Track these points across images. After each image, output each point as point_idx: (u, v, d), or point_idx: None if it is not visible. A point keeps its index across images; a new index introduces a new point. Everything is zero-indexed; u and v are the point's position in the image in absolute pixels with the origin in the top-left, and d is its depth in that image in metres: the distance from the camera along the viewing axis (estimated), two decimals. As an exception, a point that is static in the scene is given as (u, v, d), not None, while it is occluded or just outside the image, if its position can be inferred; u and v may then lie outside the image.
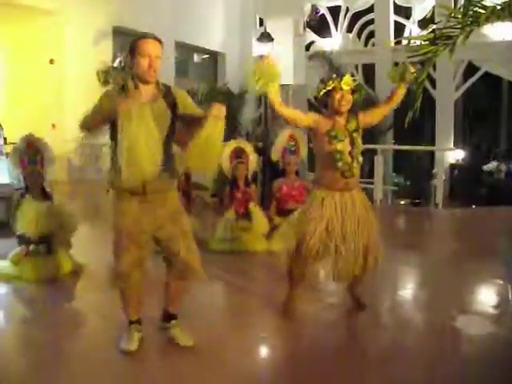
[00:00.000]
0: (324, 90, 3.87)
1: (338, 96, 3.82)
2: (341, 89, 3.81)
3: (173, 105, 3.37)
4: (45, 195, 5.31)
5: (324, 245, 3.88)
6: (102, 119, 3.30)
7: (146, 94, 3.29)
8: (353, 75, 4.03)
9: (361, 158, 3.94)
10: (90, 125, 3.36)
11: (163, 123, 3.32)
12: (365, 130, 4.06)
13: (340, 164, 3.82)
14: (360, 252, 3.93)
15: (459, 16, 4.05)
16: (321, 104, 4.00)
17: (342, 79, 3.81)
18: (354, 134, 3.91)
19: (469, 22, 3.95)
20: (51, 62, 11.84)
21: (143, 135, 3.11)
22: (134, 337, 3.56)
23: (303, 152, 6.99)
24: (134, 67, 3.31)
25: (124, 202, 3.37)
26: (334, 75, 3.85)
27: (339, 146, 3.83)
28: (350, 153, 3.87)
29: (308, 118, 3.94)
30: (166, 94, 3.37)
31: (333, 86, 3.81)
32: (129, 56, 3.34)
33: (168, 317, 3.68)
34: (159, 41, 3.34)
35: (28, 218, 5.09)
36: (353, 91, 3.88)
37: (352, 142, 3.90)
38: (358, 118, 3.95)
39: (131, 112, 3.10)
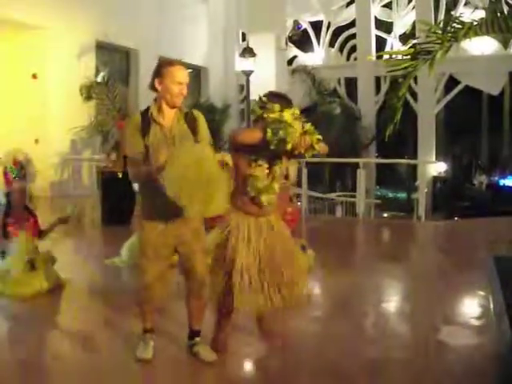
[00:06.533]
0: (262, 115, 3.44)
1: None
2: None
3: (193, 128, 3.46)
4: (28, 212, 5.27)
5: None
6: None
7: (168, 117, 3.40)
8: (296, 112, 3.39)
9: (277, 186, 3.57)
10: (139, 174, 3.45)
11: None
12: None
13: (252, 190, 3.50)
14: (281, 281, 3.59)
15: (439, 32, 4.12)
16: (253, 121, 3.64)
17: (283, 111, 3.33)
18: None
19: (448, 38, 4.02)
20: (34, 76, 11.79)
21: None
22: (149, 345, 3.63)
23: (293, 176, 6.80)
24: (161, 91, 3.37)
25: (150, 222, 3.47)
26: (277, 105, 3.37)
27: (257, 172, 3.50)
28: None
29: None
30: (188, 116, 3.46)
31: (271, 116, 3.34)
32: (154, 79, 3.37)
33: (192, 334, 3.71)
34: (186, 66, 3.46)
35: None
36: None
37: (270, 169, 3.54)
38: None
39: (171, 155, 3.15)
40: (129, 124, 3.51)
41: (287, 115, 3.27)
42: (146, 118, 3.38)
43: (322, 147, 3.36)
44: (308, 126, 3.31)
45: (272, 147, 3.24)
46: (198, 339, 3.70)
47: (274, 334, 4.03)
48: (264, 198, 3.48)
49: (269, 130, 3.21)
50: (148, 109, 3.42)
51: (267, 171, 3.49)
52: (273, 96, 3.51)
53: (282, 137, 3.19)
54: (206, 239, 3.67)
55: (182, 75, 3.37)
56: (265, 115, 3.37)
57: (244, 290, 3.46)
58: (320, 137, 3.32)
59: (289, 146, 3.22)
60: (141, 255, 3.54)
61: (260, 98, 3.51)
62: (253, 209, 3.55)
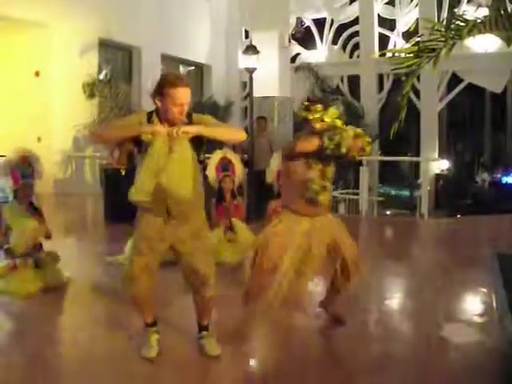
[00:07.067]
0: (308, 117, 3.81)
1: (318, 125, 3.76)
2: (322, 120, 3.76)
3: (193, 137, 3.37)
4: (33, 209, 5.29)
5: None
6: (128, 136, 3.35)
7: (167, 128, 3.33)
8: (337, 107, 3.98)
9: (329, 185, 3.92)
10: (112, 137, 3.46)
11: (187, 150, 3.34)
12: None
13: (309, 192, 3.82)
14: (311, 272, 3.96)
15: (442, 29, 4.12)
16: (299, 127, 4.06)
17: (326, 111, 3.76)
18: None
19: (451, 36, 4.02)
20: (37, 74, 11.80)
21: (176, 161, 3.23)
22: (152, 342, 3.65)
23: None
24: (161, 109, 3.32)
25: (150, 213, 3.43)
26: (320, 105, 3.76)
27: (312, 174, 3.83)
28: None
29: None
30: (187, 123, 3.37)
31: (316, 116, 3.74)
32: (155, 95, 3.31)
33: (200, 328, 3.78)
34: (188, 85, 3.34)
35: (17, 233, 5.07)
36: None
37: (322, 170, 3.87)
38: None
39: (165, 139, 3.20)
40: (133, 115, 3.49)
41: (338, 121, 3.66)
42: (149, 121, 3.35)
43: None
44: (359, 130, 3.68)
45: (328, 152, 3.61)
46: (205, 333, 3.75)
47: (338, 316, 4.30)
48: (321, 198, 3.80)
49: (325, 138, 3.58)
50: (152, 113, 3.39)
51: (320, 173, 3.81)
52: (315, 100, 3.89)
53: (338, 142, 3.55)
54: (209, 239, 3.67)
55: (183, 97, 3.27)
56: (310, 117, 3.74)
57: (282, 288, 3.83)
58: (369, 139, 3.72)
59: (343, 150, 3.58)
60: (134, 249, 3.51)
61: (303, 103, 3.87)
62: (309, 210, 3.87)
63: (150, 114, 3.39)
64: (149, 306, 3.69)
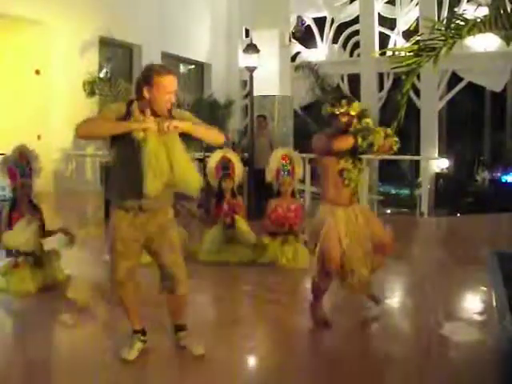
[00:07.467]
0: (334, 112, 4.11)
1: (344, 119, 4.07)
2: (348, 114, 4.06)
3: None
4: (33, 207, 5.29)
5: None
6: (117, 133, 3.29)
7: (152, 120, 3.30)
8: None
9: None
10: (93, 132, 3.42)
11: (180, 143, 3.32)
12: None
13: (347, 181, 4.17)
14: (368, 256, 4.22)
15: (442, 28, 4.12)
16: (326, 123, 4.28)
17: (351, 105, 4.06)
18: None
19: (451, 35, 4.02)
20: (37, 72, 11.80)
21: (177, 156, 3.23)
22: (135, 347, 3.62)
23: (298, 172, 6.73)
24: (149, 99, 3.28)
25: (120, 211, 3.46)
26: (344, 100, 4.08)
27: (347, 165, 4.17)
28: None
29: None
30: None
31: (342, 110, 4.06)
32: (142, 86, 3.28)
33: (177, 329, 3.75)
34: (174, 74, 3.36)
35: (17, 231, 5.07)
36: (358, 116, 4.11)
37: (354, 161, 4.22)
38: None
39: (157, 134, 3.18)
40: (112, 107, 3.41)
41: (369, 121, 4.04)
42: (128, 115, 3.30)
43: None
44: (388, 130, 4.03)
45: (360, 150, 4.03)
46: (183, 333, 3.71)
47: (375, 297, 4.64)
48: (355, 186, 4.19)
49: (359, 137, 3.92)
50: (131, 103, 3.34)
51: (353, 165, 4.16)
52: (339, 96, 4.23)
53: (371, 142, 3.90)
54: (177, 235, 3.65)
55: (171, 85, 3.30)
56: (336, 112, 4.05)
57: (342, 273, 4.13)
58: (397, 139, 4.06)
59: (375, 149, 3.95)
60: (111, 250, 3.50)
61: (329, 100, 4.18)
62: (343, 199, 4.19)
63: (129, 105, 3.34)
64: (135, 310, 3.67)
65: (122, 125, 3.26)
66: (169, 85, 3.28)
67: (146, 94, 3.27)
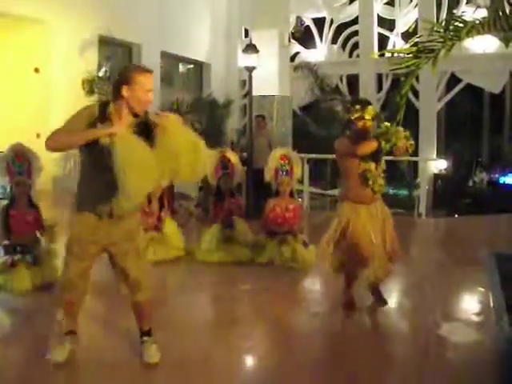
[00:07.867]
0: (351, 117, 4.46)
1: (361, 123, 4.41)
2: (363, 117, 4.40)
3: (147, 135, 3.29)
4: (31, 206, 5.30)
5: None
6: (86, 142, 3.24)
7: (125, 122, 3.29)
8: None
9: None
10: (63, 145, 3.37)
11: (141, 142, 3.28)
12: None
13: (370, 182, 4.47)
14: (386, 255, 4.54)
15: (441, 30, 4.13)
16: (344, 127, 4.68)
17: (365, 109, 4.41)
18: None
19: (450, 36, 4.03)
20: (36, 70, 11.79)
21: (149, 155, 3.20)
22: (65, 348, 3.59)
23: (297, 172, 6.76)
24: (127, 98, 3.25)
25: (83, 213, 3.39)
26: (358, 105, 4.43)
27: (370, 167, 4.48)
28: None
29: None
30: (141, 126, 3.33)
31: (356, 116, 4.41)
32: (121, 85, 3.24)
33: (141, 333, 3.69)
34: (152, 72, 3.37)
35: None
36: (372, 119, 4.47)
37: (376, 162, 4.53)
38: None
39: (124, 138, 3.16)
40: (83, 111, 3.32)
41: (389, 125, 4.37)
42: (103, 116, 3.26)
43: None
44: (406, 132, 4.39)
45: (384, 152, 4.39)
46: (146, 338, 3.66)
47: (381, 293, 4.85)
48: (377, 186, 4.48)
49: (383, 141, 4.33)
50: (107, 104, 3.32)
51: (375, 166, 4.48)
52: (354, 101, 4.67)
53: (394, 144, 4.30)
54: (141, 240, 3.63)
55: (151, 83, 3.31)
56: (352, 117, 4.42)
57: (371, 263, 4.48)
58: (412, 142, 4.47)
59: (394, 150, 4.34)
60: (66, 251, 3.45)
61: (345, 106, 4.59)
62: (366, 198, 4.50)
63: (103, 107, 3.31)
64: (77, 313, 3.63)
65: (88, 133, 3.21)
66: (148, 83, 3.29)
67: (124, 93, 3.24)
